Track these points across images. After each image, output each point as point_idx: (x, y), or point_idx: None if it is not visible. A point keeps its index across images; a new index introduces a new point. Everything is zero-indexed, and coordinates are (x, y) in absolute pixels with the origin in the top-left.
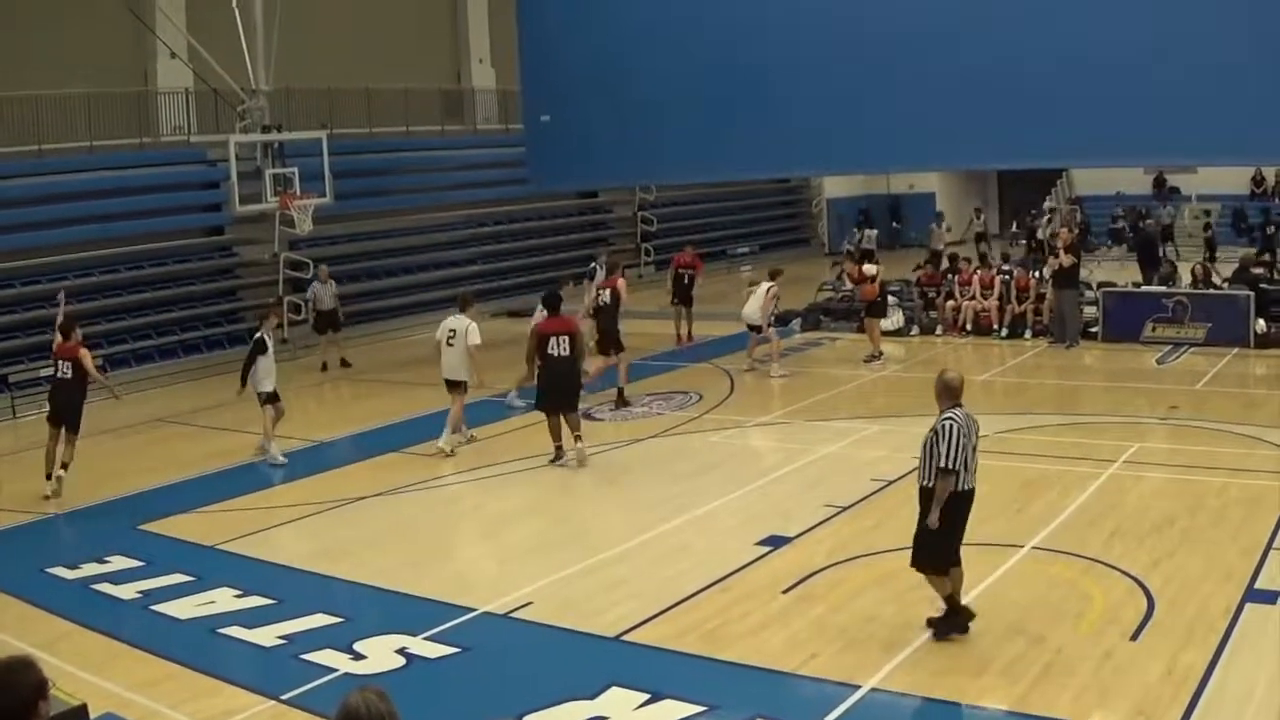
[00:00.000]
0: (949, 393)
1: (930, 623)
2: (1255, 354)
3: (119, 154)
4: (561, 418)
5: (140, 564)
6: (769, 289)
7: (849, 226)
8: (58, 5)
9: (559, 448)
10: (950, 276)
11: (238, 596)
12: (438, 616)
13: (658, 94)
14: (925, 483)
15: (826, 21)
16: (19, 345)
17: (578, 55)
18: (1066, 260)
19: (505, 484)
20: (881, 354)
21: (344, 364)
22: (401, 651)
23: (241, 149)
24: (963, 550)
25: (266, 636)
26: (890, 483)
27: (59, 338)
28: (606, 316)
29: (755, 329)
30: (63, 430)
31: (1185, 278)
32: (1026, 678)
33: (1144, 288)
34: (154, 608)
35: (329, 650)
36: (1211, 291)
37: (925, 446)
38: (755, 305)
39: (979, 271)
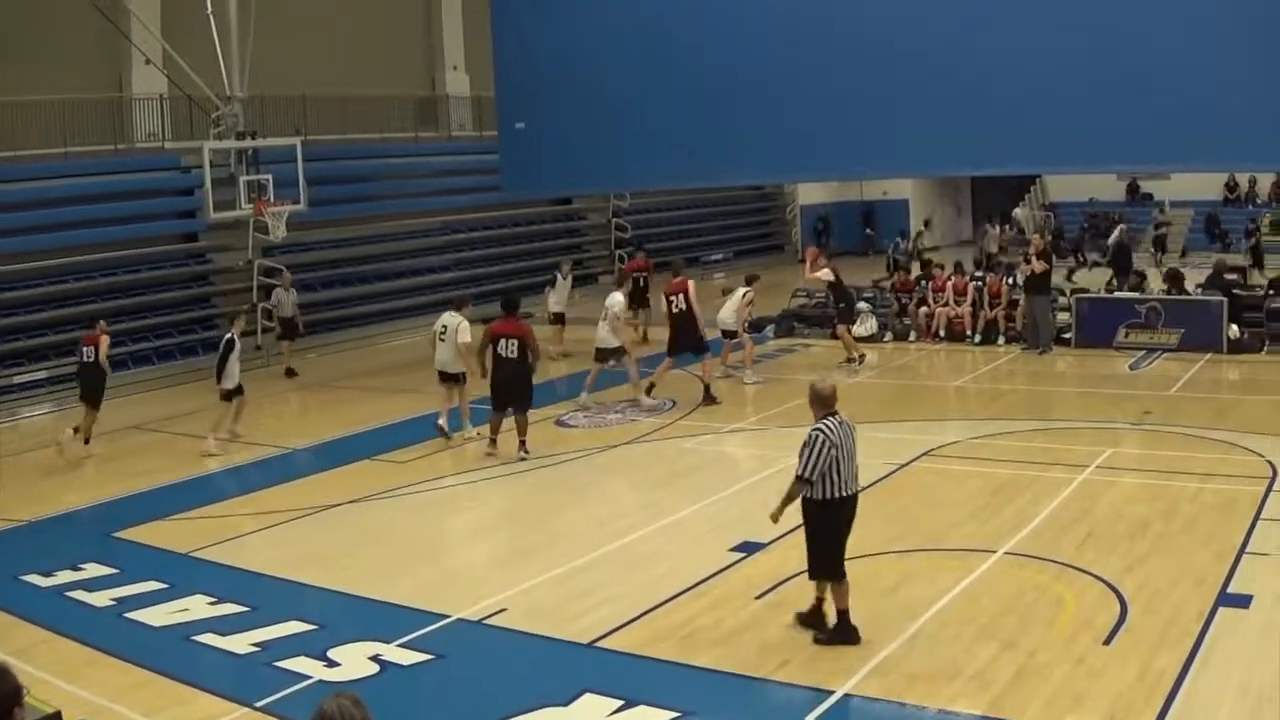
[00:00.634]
0: (821, 402)
1: (801, 619)
2: (1228, 359)
3: (94, 160)
4: (513, 418)
5: (114, 571)
6: (745, 294)
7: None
8: (32, 11)
9: (493, 440)
10: (923, 283)
11: (211, 604)
12: (411, 623)
13: (632, 101)
14: (804, 493)
15: (801, 29)
16: None
17: (552, 62)
18: (1039, 267)
19: (478, 490)
20: (863, 356)
21: (289, 373)
22: (375, 659)
23: (216, 155)
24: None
25: (240, 644)
26: (863, 488)
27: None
28: (682, 319)
29: (730, 334)
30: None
31: (1155, 286)
32: (999, 683)
33: (1116, 293)
34: (128, 615)
35: (303, 657)
36: (1185, 297)
37: (799, 454)
38: (730, 310)
39: (952, 278)
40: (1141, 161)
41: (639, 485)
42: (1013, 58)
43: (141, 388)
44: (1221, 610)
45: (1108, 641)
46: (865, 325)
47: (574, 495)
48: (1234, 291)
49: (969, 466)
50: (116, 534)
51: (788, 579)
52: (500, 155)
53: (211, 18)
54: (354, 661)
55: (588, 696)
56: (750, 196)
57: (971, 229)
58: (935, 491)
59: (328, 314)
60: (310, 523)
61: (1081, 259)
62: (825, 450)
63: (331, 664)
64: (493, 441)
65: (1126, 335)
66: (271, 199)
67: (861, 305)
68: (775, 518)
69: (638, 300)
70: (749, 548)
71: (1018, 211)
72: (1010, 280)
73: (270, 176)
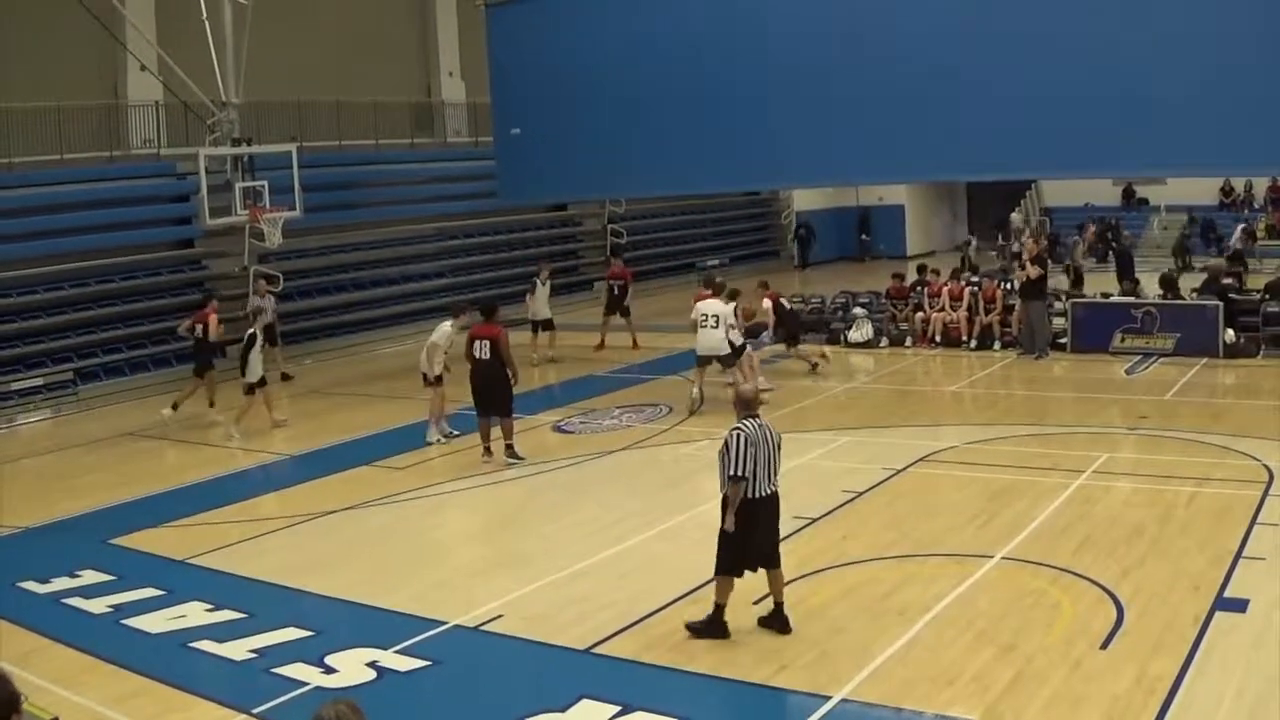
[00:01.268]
0: (743, 405)
1: (690, 626)
2: (1224, 364)
3: (89, 167)
4: (494, 423)
5: (111, 578)
6: (735, 308)
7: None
8: (27, 18)
9: (486, 448)
10: (919, 288)
11: (209, 610)
12: (408, 630)
13: (627, 107)
14: (722, 491)
15: (795, 36)
16: None
17: (547, 69)
18: (1033, 272)
19: (474, 497)
20: (825, 356)
21: (284, 377)
22: (372, 665)
23: (211, 162)
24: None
25: (237, 650)
26: (859, 494)
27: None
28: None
29: (726, 359)
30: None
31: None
32: (996, 687)
33: (1113, 298)
34: (125, 622)
35: (300, 664)
36: (1180, 302)
37: (719, 457)
38: (719, 337)
39: (948, 283)
40: (1137, 167)
41: (636, 491)
42: (1007, 64)
43: (137, 394)
44: (1218, 614)
45: (1104, 646)
46: (861, 331)
47: (571, 501)
48: (1230, 296)
49: (965, 472)
50: (113, 540)
51: (785, 584)
52: (496, 162)
53: (207, 24)
54: (351, 668)
55: (585, 702)
56: (745, 203)
57: (968, 234)
58: (932, 497)
59: (323, 320)
60: (307, 529)
61: (1077, 274)
62: (746, 447)
63: (329, 670)
64: (487, 449)
65: (1122, 340)
66: (267, 206)
67: (857, 311)
68: (729, 526)
69: (616, 309)
70: None
71: (1014, 216)
72: (1006, 285)
73: (266, 183)
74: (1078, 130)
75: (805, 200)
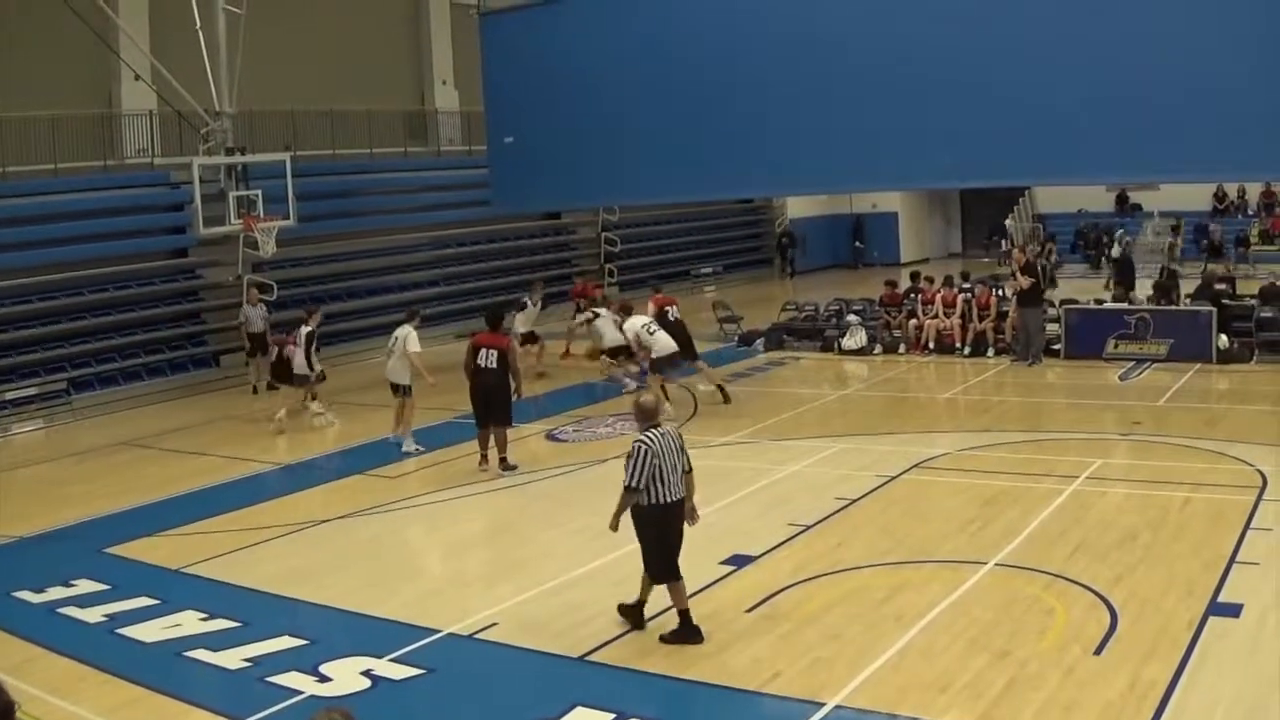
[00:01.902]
0: (644, 415)
1: (662, 637)
2: (1217, 369)
3: (83, 176)
4: (492, 432)
5: (106, 587)
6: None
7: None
8: (21, 28)
9: (484, 455)
10: (913, 295)
11: (203, 619)
12: (403, 638)
13: (620, 115)
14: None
15: (790, 44)
16: None
17: (541, 77)
18: (1025, 282)
19: (468, 506)
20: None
21: (271, 387)
22: (367, 673)
23: (205, 171)
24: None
25: (232, 659)
26: (853, 501)
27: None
28: (681, 326)
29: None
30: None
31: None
32: (990, 693)
33: (1105, 304)
34: (120, 631)
35: (294, 672)
36: (1173, 308)
37: (625, 467)
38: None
39: (941, 290)
40: (1131, 173)
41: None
42: (1001, 71)
43: (132, 404)
44: (1211, 619)
45: (1098, 651)
46: (855, 338)
47: (564, 509)
48: (1223, 301)
49: (959, 478)
50: (108, 550)
51: (778, 592)
52: (489, 170)
53: (200, 33)
54: (345, 676)
55: (579, 710)
56: (739, 210)
57: (961, 241)
58: (926, 503)
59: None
60: (301, 538)
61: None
62: (648, 459)
63: (323, 679)
64: (484, 457)
65: (1116, 346)
66: (261, 214)
67: (851, 318)
68: (613, 527)
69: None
70: (739, 561)
71: (1008, 222)
72: (999, 293)
73: (260, 192)
74: (1071, 137)
75: (799, 208)
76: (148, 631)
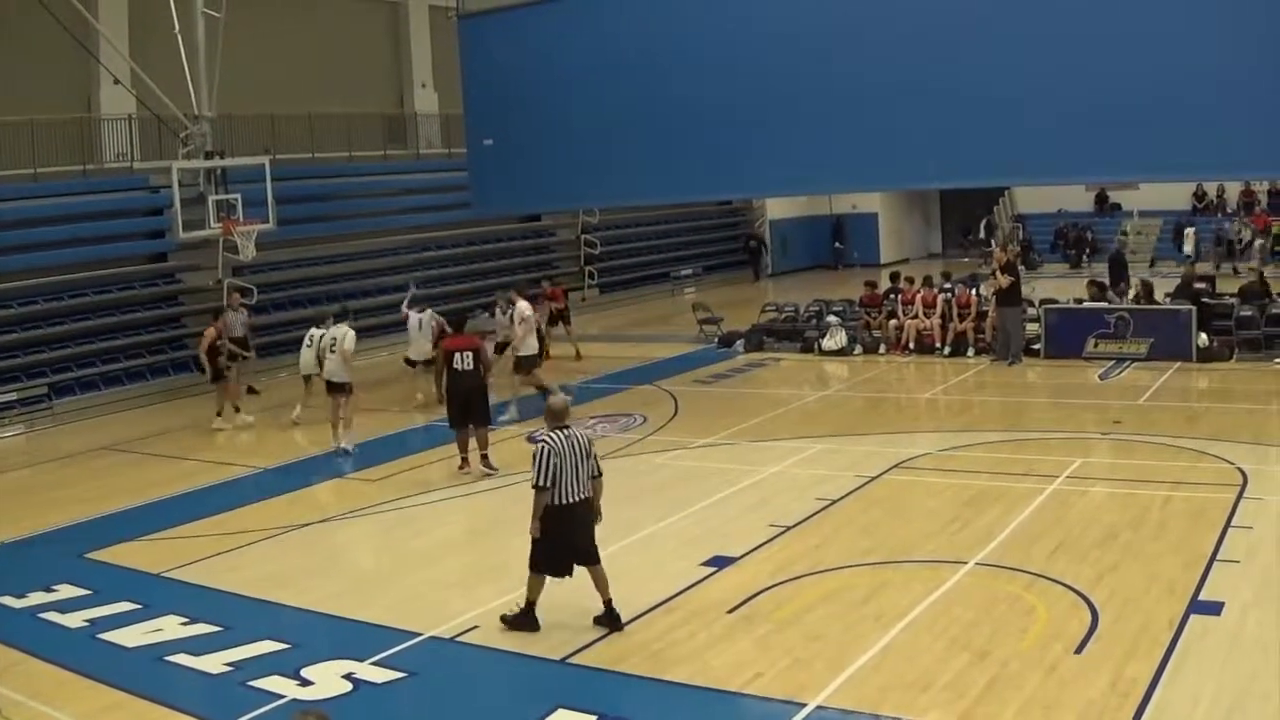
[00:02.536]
0: (552, 416)
1: (504, 618)
2: (1197, 368)
3: (62, 181)
4: (472, 433)
5: (87, 592)
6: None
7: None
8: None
9: (464, 458)
10: (892, 296)
11: (184, 624)
12: (384, 641)
13: (599, 117)
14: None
15: (766, 45)
16: None
17: (520, 79)
18: (1004, 281)
19: (448, 509)
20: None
21: (250, 390)
22: (348, 677)
23: (184, 175)
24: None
25: (213, 664)
26: (834, 501)
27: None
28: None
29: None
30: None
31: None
32: (971, 693)
33: (1085, 303)
34: (101, 636)
35: (276, 676)
36: (1153, 306)
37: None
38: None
39: (921, 290)
40: (1110, 173)
41: (609, 501)
42: (979, 70)
43: (112, 408)
44: (1193, 618)
45: (1079, 650)
46: (835, 339)
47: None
48: (1203, 300)
49: (940, 478)
50: (89, 555)
51: (759, 592)
52: (469, 173)
53: (179, 37)
54: (327, 680)
55: (561, 712)
56: (719, 212)
57: (941, 241)
58: (906, 503)
59: (296, 333)
60: (282, 542)
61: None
62: (550, 459)
63: (305, 683)
64: (464, 460)
65: (1096, 345)
66: (240, 218)
67: (831, 319)
68: (533, 531)
69: (558, 322)
70: (720, 562)
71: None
72: (978, 294)
73: (239, 196)
74: (1050, 137)
75: (779, 209)
76: (129, 636)
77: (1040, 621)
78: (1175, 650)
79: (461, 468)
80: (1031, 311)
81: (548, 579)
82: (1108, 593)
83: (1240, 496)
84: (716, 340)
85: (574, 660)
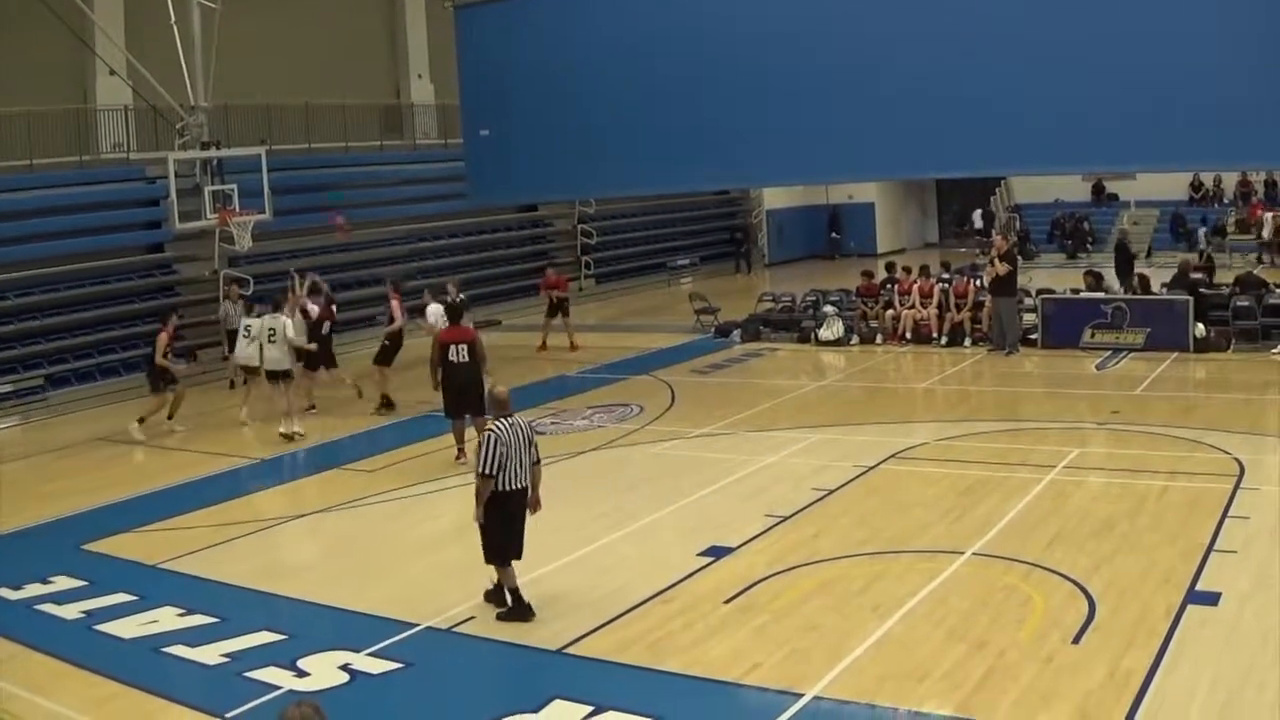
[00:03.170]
0: (496, 405)
1: (487, 596)
2: (1194, 358)
3: (58, 172)
4: (469, 423)
5: (83, 584)
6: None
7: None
8: None
9: (461, 449)
10: (889, 286)
11: (181, 615)
12: (381, 632)
13: (596, 107)
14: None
15: (762, 35)
16: None
17: (516, 70)
18: (1002, 269)
19: (443, 500)
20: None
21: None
22: (345, 668)
23: (181, 166)
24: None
25: (210, 655)
26: (830, 492)
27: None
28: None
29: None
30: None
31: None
32: (968, 683)
33: (1082, 294)
34: (98, 628)
35: (272, 668)
36: (1150, 297)
37: (477, 455)
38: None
39: (918, 280)
40: (1107, 162)
41: (606, 491)
42: (974, 61)
43: (109, 399)
44: (1190, 608)
45: (1076, 640)
46: (832, 329)
47: (542, 502)
48: (1199, 290)
49: (937, 468)
50: (85, 546)
51: (756, 583)
52: (465, 163)
53: (175, 28)
54: (324, 671)
55: (557, 703)
56: (715, 202)
57: (938, 231)
58: (903, 493)
59: None
60: (279, 533)
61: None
62: (496, 448)
63: (301, 674)
64: (460, 451)
65: (1093, 335)
66: (237, 209)
67: (828, 309)
68: (477, 518)
69: (556, 313)
70: (717, 552)
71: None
72: (976, 282)
73: (235, 186)
74: (1046, 126)
75: (775, 199)
76: (126, 628)
77: (1037, 612)
78: (1172, 640)
79: (458, 458)
80: (1029, 302)
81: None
82: (1105, 583)
83: (1237, 487)
84: (713, 330)
85: (570, 651)
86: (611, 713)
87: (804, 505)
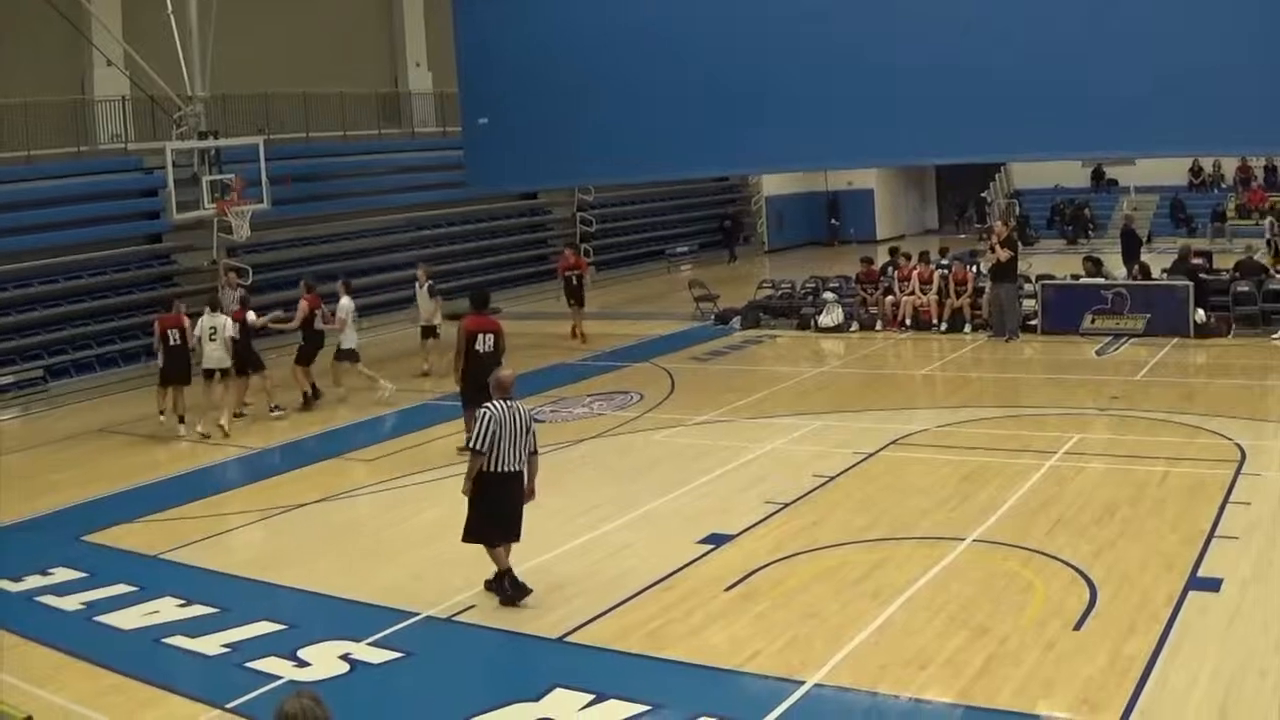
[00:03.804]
0: (499, 388)
1: (487, 585)
2: (1195, 344)
3: (56, 163)
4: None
5: (83, 575)
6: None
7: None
8: None
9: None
10: (889, 272)
11: (181, 606)
12: (381, 621)
13: (595, 94)
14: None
15: (761, 20)
16: None
17: (514, 57)
18: (1003, 255)
19: (443, 488)
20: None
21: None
22: (345, 657)
23: (179, 156)
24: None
25: (210, 645)
26: (831, 479)
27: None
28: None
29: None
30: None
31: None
32: (970, 670)
33: (1082, 279)
34: (98, 619)
35: (273, 658)
36: (1150, 282)
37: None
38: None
39: (918, 267)
40: (1107, 147)
41: (607, 479)
42: (975, 44)
43: (108, 390)
44: (1191, 594)
45: (1078, 627)
46: (831, 316)
47: (542, 489)
48: (1200, 276)
49: (937, 454)
50: (85, 537)
51: (756, 570)
52: (464, 151)
53: (172, 18)
54: (324, 661)
55: (558, 691)
56: (714, 189)
57: (937, 218)
58: (903, 480)
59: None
60: (279, 522)
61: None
62: (490, 425)
63: (302, 664)
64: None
65: (1093, 321)
66: (235, 199)
67: (827, 296)
68: (465, 491)
69: (575, 298)
70: (717, 539)
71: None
72: (975, 268)
73: (233, 176)
74: (1046, 112)
75: (774, 185)
76: (126, 619)
77: (1038, 598)
78: (1174, 627)
79: (462, 449)
80: (1028, 288)
81: (511, 545)
82: (1106, 569)
83: (1238, 472)
84: (713, 317)
85: (571, 639)
86: (612, 700)
87: (804, 492)
